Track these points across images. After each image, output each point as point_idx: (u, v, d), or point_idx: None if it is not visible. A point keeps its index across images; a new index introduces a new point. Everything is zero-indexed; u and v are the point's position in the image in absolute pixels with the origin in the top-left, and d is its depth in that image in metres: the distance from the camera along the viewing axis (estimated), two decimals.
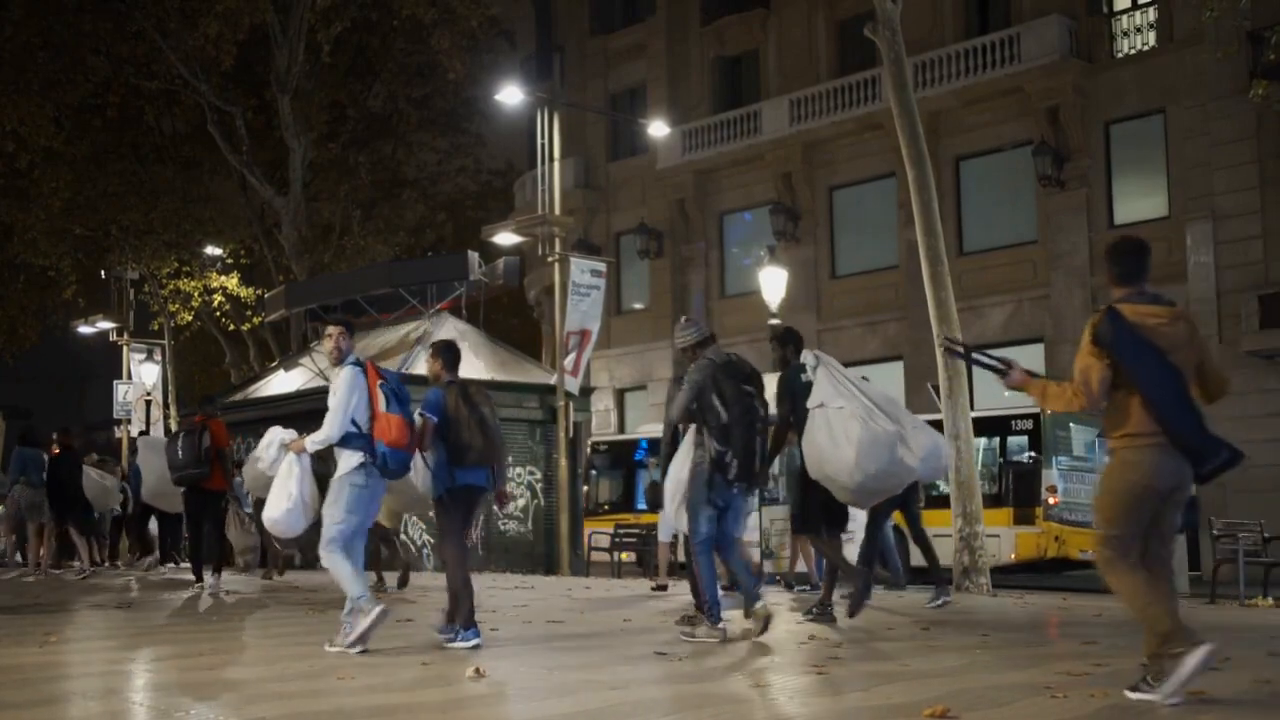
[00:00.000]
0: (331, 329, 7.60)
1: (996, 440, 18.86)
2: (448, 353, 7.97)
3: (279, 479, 7.91)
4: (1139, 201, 24.22)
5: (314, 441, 7.56)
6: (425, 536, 19.47)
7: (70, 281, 34.12)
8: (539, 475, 20.08)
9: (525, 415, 20.54)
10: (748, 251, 29.12)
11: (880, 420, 8.60)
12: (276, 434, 8.80)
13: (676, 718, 5.04)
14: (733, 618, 8.22)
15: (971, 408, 15.23)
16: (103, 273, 35.78)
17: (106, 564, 20.21)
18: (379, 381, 7.35)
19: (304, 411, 21.56)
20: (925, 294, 14.46)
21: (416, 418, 7.69)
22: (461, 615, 7.54)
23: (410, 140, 34.70)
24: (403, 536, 19.15)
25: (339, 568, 7.31)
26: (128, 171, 32.96)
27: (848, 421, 8.47)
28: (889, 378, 26.27)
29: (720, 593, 8.12)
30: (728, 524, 8.02)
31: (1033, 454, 18.20)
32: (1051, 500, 17.54)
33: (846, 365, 9.54)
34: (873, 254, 28.01)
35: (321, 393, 22.51)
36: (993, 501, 17.90)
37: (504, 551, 19.87)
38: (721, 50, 31.56)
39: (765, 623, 7.83)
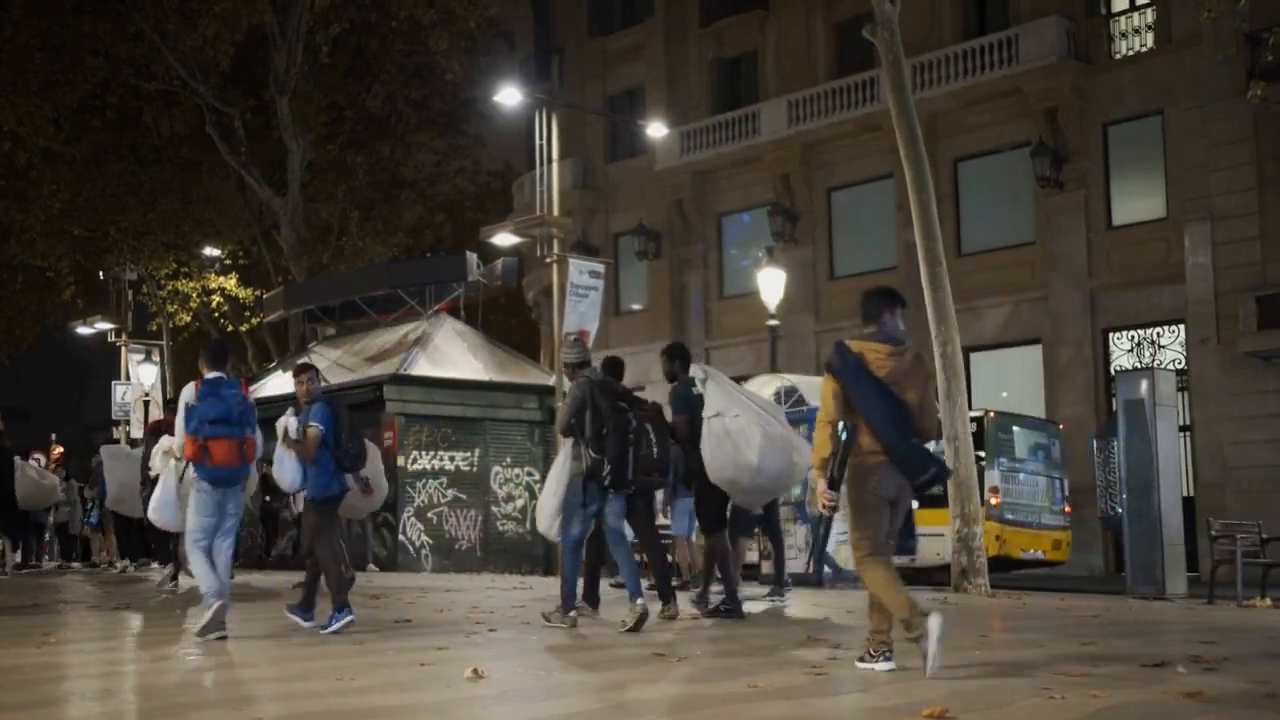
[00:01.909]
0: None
1: (940, 444, 19.26)
2: (319, 374, 9.40)
3: (161, 479, 9.61)
4: (1137, 202, 24.22)
5: (177, 451, 8.97)
6: (424, 538, 19.48)
7: (69, 282, 34.14)
8: (537, 476, 20.09)
9: (524, 416, 20.55)
10: (746, 252, 29.12)
11: (775, 426, 9.35)
12: (165, 442, 10.03)
13: (674, 718, 5.04)
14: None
15: (970, 408, 15.30)
16: (101, 273, 35.79)
17: (108, 564, 20.27)
18: (185, 402, 8.42)
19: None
20: (923, 295, 14.47)
21: (287, 425, 8.81)
22: (337, 600, 8.62)
23: (409, 141, 34.69)
24: (401, 538, 19.19)
25: (195, 565, 8.39)
26: (126, 172, 32.96)
27: (747, 429, 9.11)
28: None
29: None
30: (612, 522, 8.95)
31: (977, 455, 18.73)
32: (993, 501, 18.03)
33: None
34: (871, 255, 27.99)
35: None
36: (937, 502, 18.43)
37: (502, 552, 19.88)
38: (720, 51, 31.56)
39: (638, 620, 8.47)
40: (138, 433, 32.02)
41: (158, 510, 9.75)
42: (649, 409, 9.56)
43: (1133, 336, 23.90)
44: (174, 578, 13.55)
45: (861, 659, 6.32)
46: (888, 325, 6.34)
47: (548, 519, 9.34)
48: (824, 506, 6.28)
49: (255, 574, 15.89)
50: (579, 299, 19.56)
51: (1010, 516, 18.24)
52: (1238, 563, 13.55)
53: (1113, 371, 22.94)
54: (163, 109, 33.17)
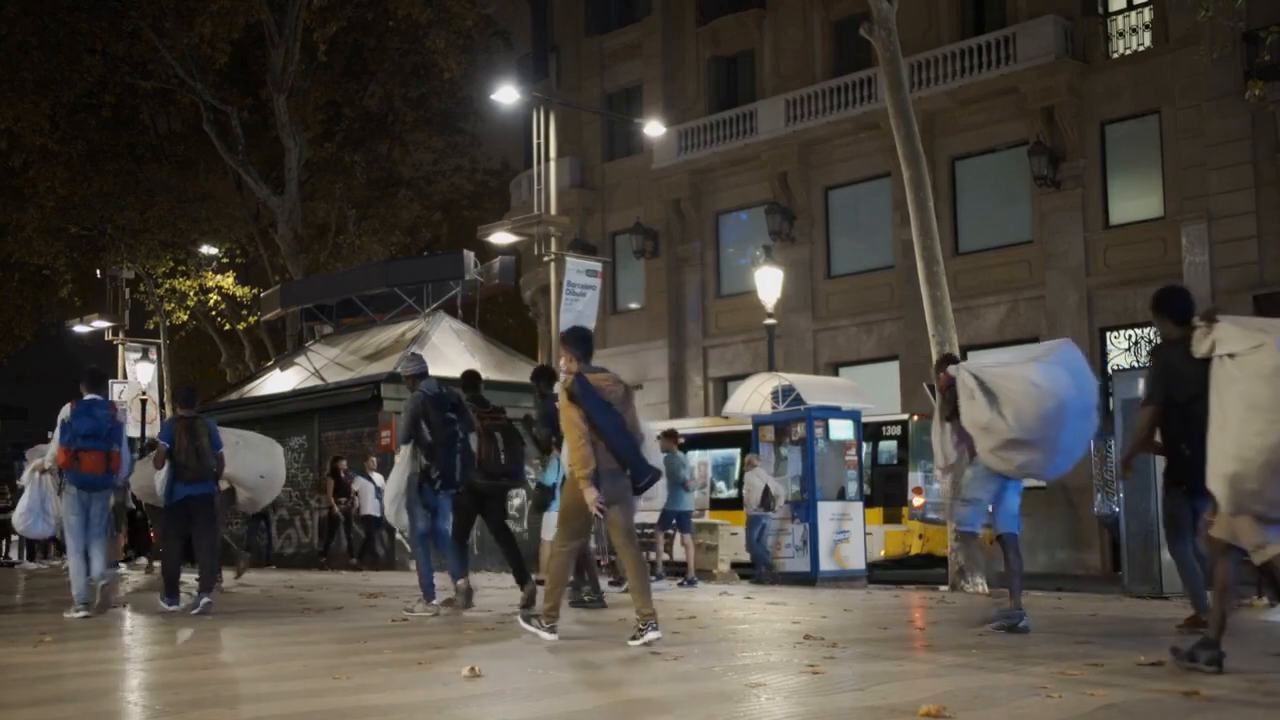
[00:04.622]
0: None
1: (869, 445, 19.83)
2: (185, 394, 11.08)
3: (27, 490, 10.98)
4: (1134, 202, 24.24)
5: (46, 462, 10.42)
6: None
7: (66, 281, 34.10)
8: (534, 475, 20.06)
9: (521, 415, 20.50)
10: (743, 251, 29.13)
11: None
12: (38, 460, 11.29)
13: (671, 717, 5.04)
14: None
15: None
16: (98, 272, 35.77)
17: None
18: (61, 419, 9.71)
19: (298, 411, 21.62)
20: (921, 294, 14.47)
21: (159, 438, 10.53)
22: (167, 587, 10.36)
23: (406, 140, 34.69)
24: (398, 537, 19.20)
25: (72, 568, 9.87)
26: (123, 171, 32.94)
27: None
28: (885, 377, 26.30)
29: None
30: (439, 523, 10.24)
31: (900, 457, 19.25)
32: (917, 501, 18.29)
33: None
34: (868, 254, 28.02)
35: (316, 392, 22.55)
36: (864, 502, 18.78)
37: (499, 551, 19.84)
38: (717, 50, 31.55)
39: (466, 597, 10.09)
40: (134, 432, 31.99)
41: (21, 516, 11.19)
42: (501, 419, 10.57)
43: (1130, 335, 23.91)
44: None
45: (529, 621, 7.85)
46: (595, 361, 7.93)
47: (387, 505, 10.63)
48: (597, 511, 7.44)
49: (310, 573, 15.84)
50: (575, 297, 19.56)
51: (933, 516, 18.86)
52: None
53: (1110, 370, 22.95)
54: (159, 107, 33.15)
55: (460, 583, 10.12)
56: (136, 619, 9.89)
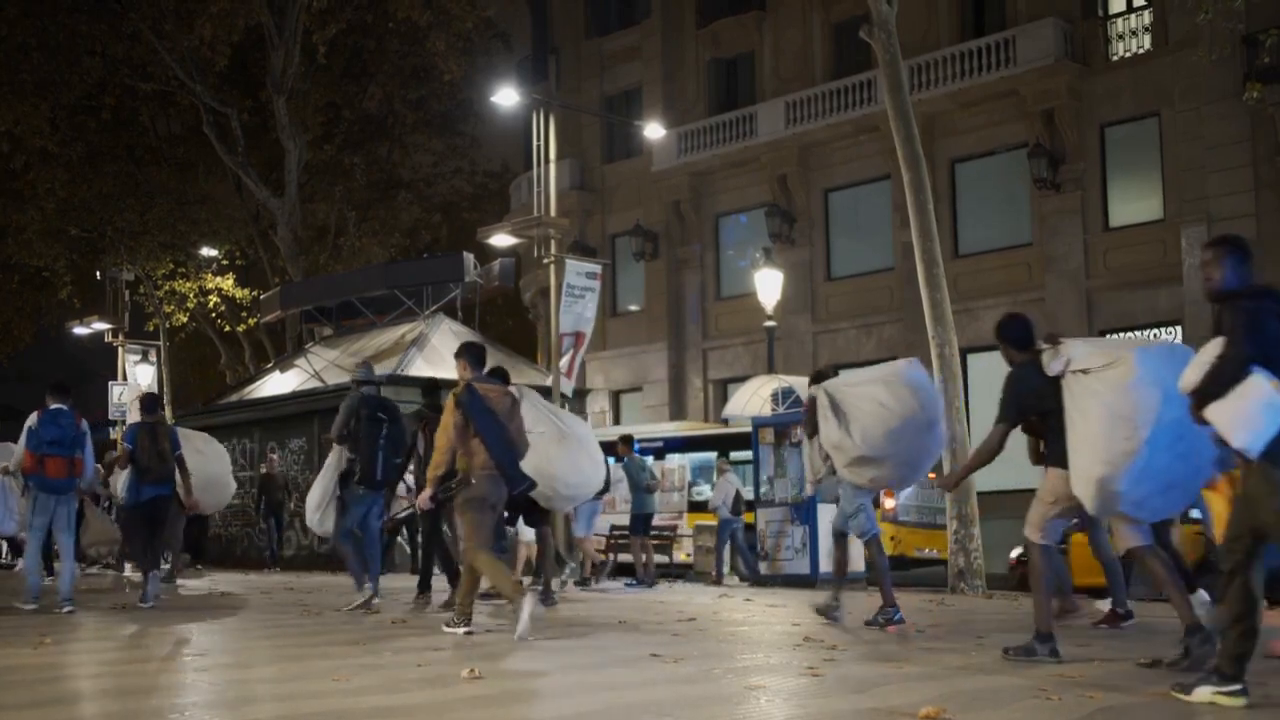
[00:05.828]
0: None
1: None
2: (149, 401, 11.83)
3: None
4: (1134, 204, 24.26)
5: (11, 466, 11.03)
6: (420, 538, 19.47)
7: (65, 282, 34.06)
8: None
9: None
10: (743, 253, 29.14)
11: (574, 441, 11.03)
12: (3, 457, 11.81)
13: (671, 719, 5.04)
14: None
15: (968, 412, 15.31)
16: (98, 274, 35.71)
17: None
18: (28, 426, 10.30)
19: (298, 413, 21.61)
20: (921, 296, 14.48)
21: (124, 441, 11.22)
22: (149, 588, 10.82)
23: (406, 142, 34.67)
24: (398, 539, 19.19)
25: (28, 559, 10.76)
26: (123, 173, 32.91)
27: (549, 445, 10.56)
28: None
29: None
30: (372, 522, 10.86)
31: None
32: (889, 503, 18.44)
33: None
34: (868, 256, 28.03)
35: (315, 394, 22.55)
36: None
37: (500, 554, 19.84)
38: (717, 52, 31.56)
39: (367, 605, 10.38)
40: None
41: None
42: None
43: (1130, 337, 23.92)
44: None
45: (448, 624, 8.25)
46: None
47: (310, 511, 11.13)
48: (421, 508, 8.41)
49: (310, 575, 15.85)
50: (575, 299, 19.54)
51: (904, 518, 19.09)
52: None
53: None
54: (159, 109, 33.13)
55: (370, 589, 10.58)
56: (135, 620, 9.90)
